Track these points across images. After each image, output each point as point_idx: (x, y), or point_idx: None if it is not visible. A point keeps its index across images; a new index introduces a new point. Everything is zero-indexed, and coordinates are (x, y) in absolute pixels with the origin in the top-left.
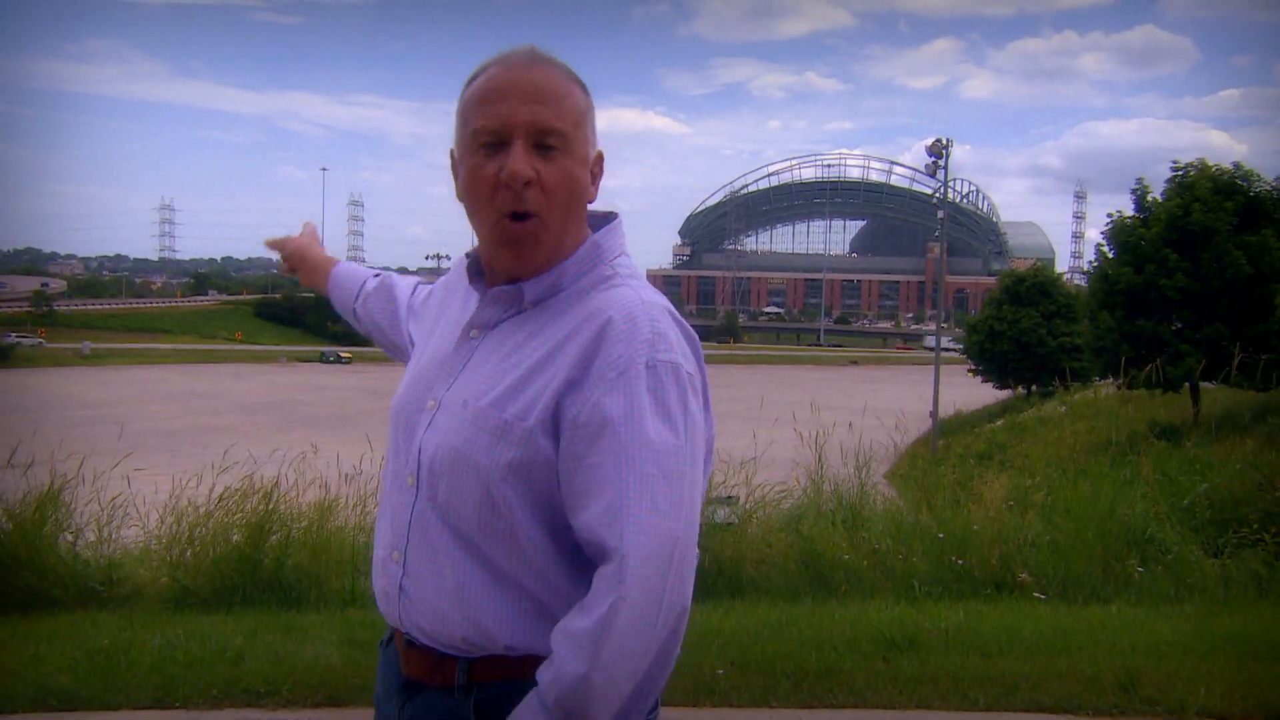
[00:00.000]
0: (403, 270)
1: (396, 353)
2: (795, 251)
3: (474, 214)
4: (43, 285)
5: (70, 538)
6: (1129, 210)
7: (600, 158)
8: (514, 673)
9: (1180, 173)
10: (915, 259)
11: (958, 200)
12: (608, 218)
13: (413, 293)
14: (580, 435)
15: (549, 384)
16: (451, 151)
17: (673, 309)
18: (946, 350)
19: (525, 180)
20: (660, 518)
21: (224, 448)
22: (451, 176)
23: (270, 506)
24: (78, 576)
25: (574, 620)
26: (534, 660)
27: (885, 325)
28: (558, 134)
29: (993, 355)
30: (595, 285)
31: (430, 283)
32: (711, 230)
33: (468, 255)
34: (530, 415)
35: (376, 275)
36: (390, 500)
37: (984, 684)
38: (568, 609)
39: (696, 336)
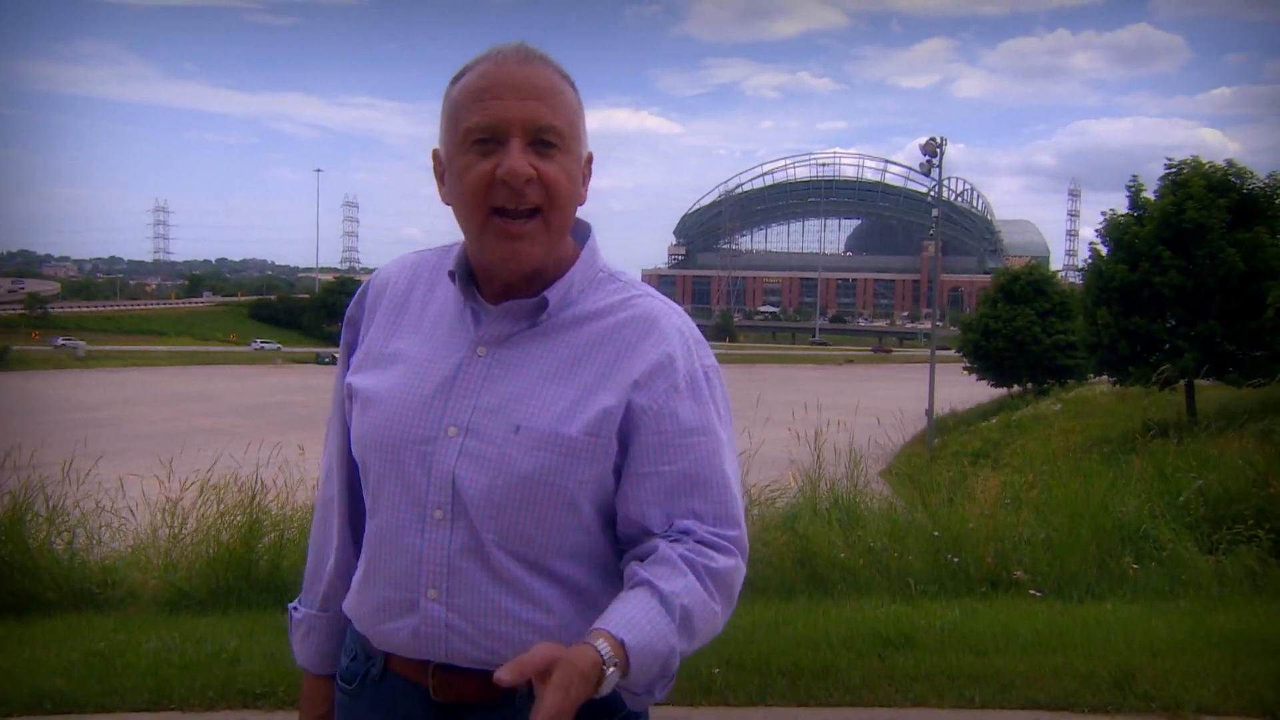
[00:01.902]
0: None
1: None
2: (790, 250)
3: (465, 214)
4: (16, 285)
5: (64, 541)
6: (1123, 208)
7: (590, 159)
8: None
9: (1174, 170)
10: (910, 257)
11: (952, 199)
12: (583, 227)
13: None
14: (660, 440)
15: (615, 396)
16: (435, 152)
17: None
18: (938, 349)
19: (526, 178)
20: (739, 506)
21: (218, 449)
22: (435, 179)
23: (255, 506)
24: (72, 579)
25: (709, 556)
26: None
27: (880, 324)
28: (555, 131)
29: (988, 353)
30: (611, 295)
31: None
32: (706, 230)
33: (451, 273)
34: (602, 430)
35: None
36: (402, 537)
37: (980, 681)
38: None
39: None
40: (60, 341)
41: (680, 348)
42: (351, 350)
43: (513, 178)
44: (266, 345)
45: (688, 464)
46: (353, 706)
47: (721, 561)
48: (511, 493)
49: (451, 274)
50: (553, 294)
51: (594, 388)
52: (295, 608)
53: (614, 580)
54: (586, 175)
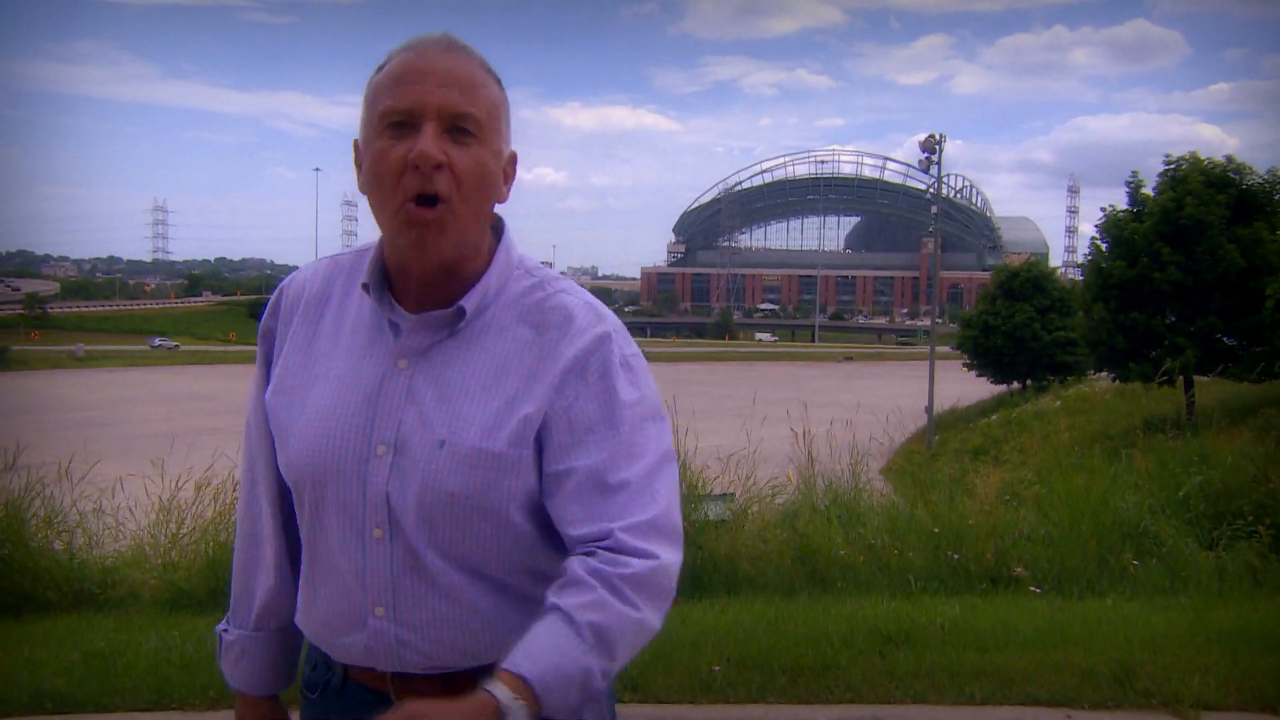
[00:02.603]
0: None
1: None
2: (789, 248)
3: (377, 201)
4: (11, 286)
5: (64, 541)
6: (1122, 204)
7: (514, 158)
8: None
9: (1173, 167)
10: (909, 254)
11: (951, 195)
12: (495, 223)
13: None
14: (572, 439)
15: (535, 404)
16: (356, 141)
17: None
18: (908, 344)
19: (436, 163)
20: (668, 497)
21: (216, 449)
22: (355, 168)
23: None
24: (72, 580)
25: (621, 562)
26: None
27: (880, 321)
28: (472, 119)
29: (987, 350)
30: (527, 294)
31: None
32: (705, 227)
33: (365, 285)
34: (526, 439)
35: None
36: (343, 555)
37: (980, 678)
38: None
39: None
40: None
41: (593, 342)
42: (269, 364)
43: (422, 161)
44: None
45: (599, 458)
46: (318, 714)
47: (637, 565)
48: (441, 508)
49: (365, 285)
50: (469, 302)
51: (516, 398)
52: (225, 629)
53: (547, 580)
54: (509, 174)
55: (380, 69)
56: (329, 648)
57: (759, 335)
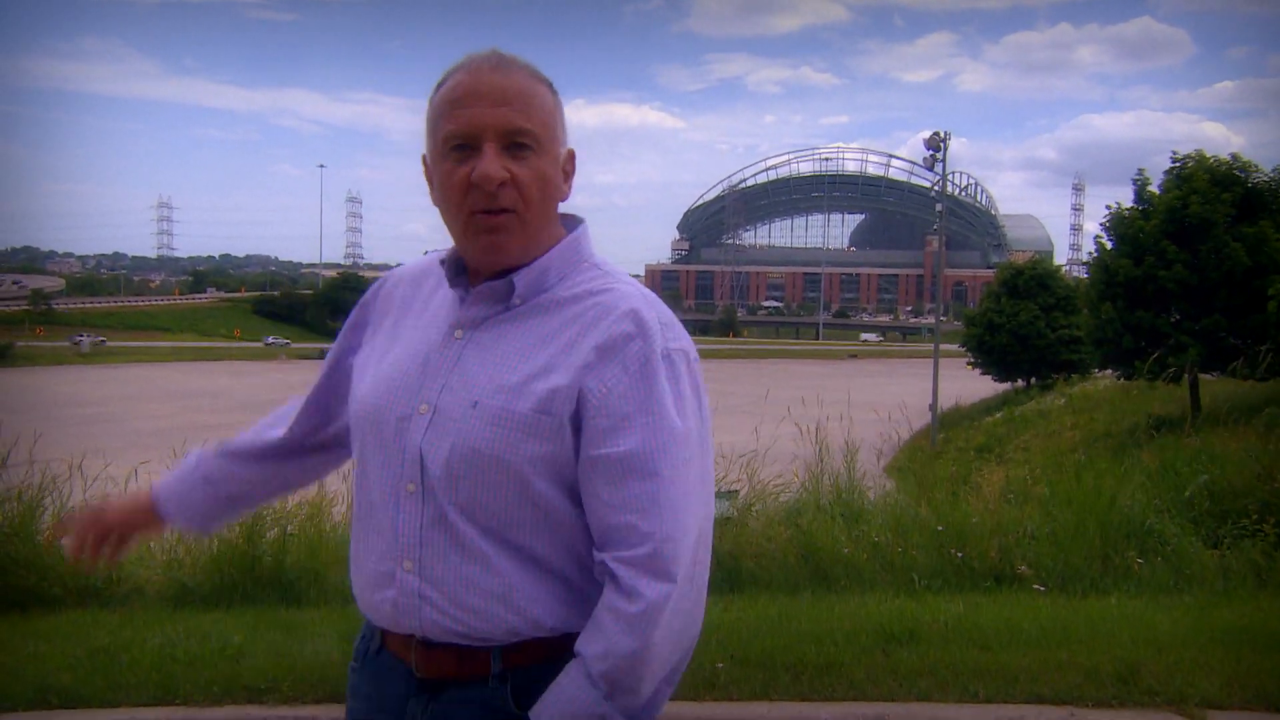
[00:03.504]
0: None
1: None
2: (794, 246)
3: (448, 216)
4: (16, 283)
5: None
6: (1126, 202)
7: (571, 156)
8: (548, 654)
9: (1178, 165)
10: (914, 252)
11: (956, 193)
12: (574, 221)
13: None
14: (608, 424)
15: (568, 376)
16: (424, 157)
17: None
18: (900, 344)
19: (499, 182)
20: (691, 502)
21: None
22: (426, 183)
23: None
24: (77, 575)
25: (621, 601)
26: (565, 639)
27: (884, 319)
28: (528, 134)
29: (992, 348)
30: (587, 283)
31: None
32: (710, 225)
33: (442, 261)
34: (554, 408)
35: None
36: (383, 511)
37: (983, 676)
38: (593, 582)
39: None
40: (86, 345)
41: (636, 328)
42: (356, 329)
43: (485, 181)
44: (276, 341)
45: (627, 448)
46: (356, 682)
47: (638, 605)
48: (466, 465)
49: (442, 261)
50: (520, 277)
51: (548, 367)
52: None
53: (578, 558)
54: (569, 171)
55: (437, 89)
56: (367, 607)
57: (865, 336)
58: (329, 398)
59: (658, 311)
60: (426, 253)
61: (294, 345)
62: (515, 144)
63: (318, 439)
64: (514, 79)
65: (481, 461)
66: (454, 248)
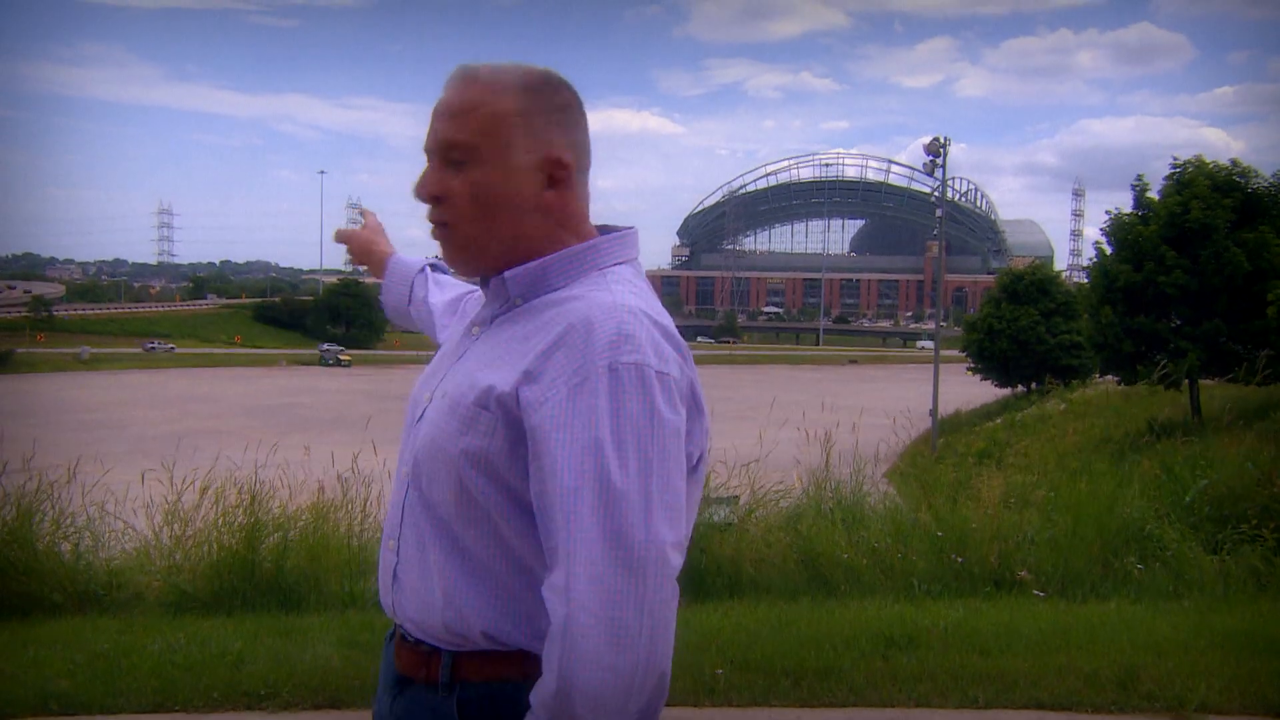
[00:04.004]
0: None
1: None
2: (794, 251)
3: None
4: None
5: (71, 543)
6: (1126, 207)
7: (556, 161)
8: (497, 673)
9: (1178, 170)
10: (914, 258)
11: (956, 199)
12: (616, 229)
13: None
14: (538, 436)
15: (511, 378)
16: None
17: (657, 315)
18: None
19: (426, 197)
20: (613, 546)
21: (220, 451)
22: None
23: (256, 509)
24: (77, 581)
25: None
26: (511, 659)
27: (884, 324)
28: (459, 147)
29: (992, 353)
30: (577, 288)
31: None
32: (710, 230)
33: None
34: (490, 404)
35: (425, 269)
36: (393, 491)
37: (983, 681)
38: (531, 590)
39: (684, 343)
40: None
41: (580, 338)
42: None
43: (416, 196)
44: (331, 349)
45: (543, 467)
46: (378, 671)
47: (544, 688)
48: (425, 455)
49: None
50: (512, 276)
51: (501, 366)
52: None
53: (514, 561)
54: (557, 177)
55: None
56: (380, 590)
57: (922, 344)
58: (437, 292)
59: (620, 322)
60: None
61: (290, 351)
62: (450, 159)
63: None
64: (460, 93)
65: (433, 450)
66: None
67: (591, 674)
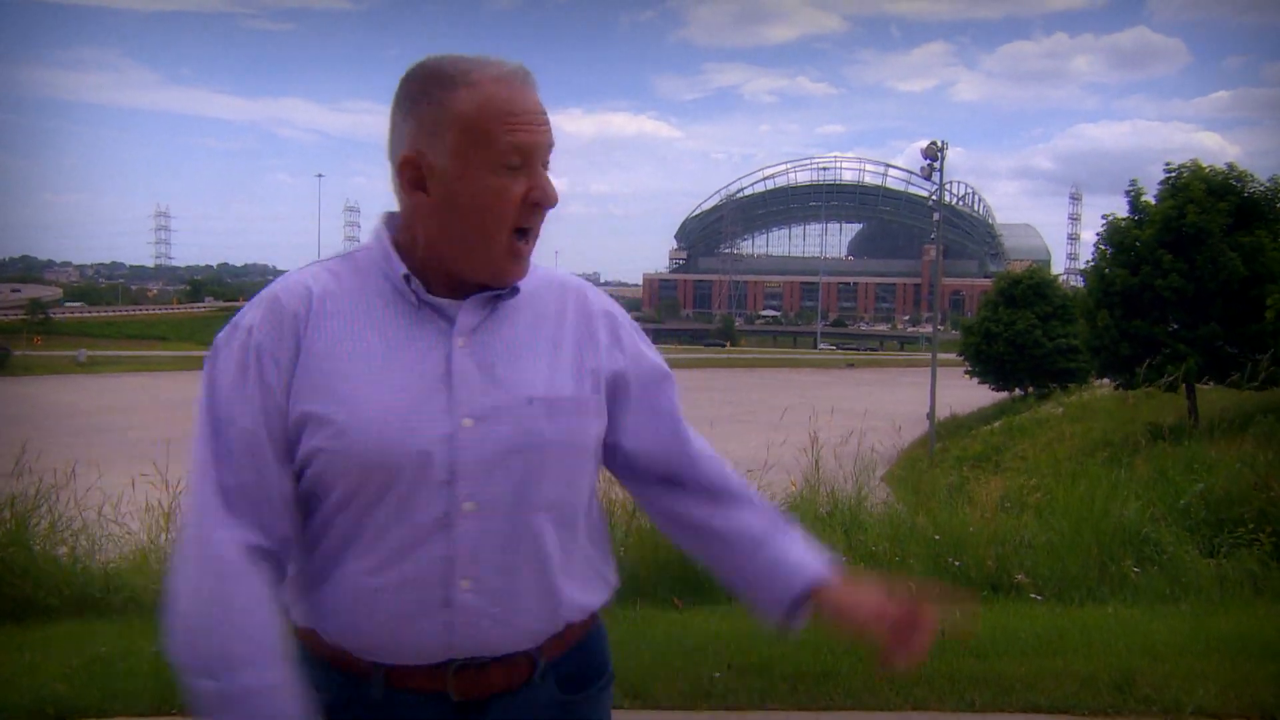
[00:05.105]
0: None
1: None
2: (791, 255)
3: (481, 230)
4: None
5: (66, 546)
6: (1123, 211)
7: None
8: (576, 637)
9: (1174, 174)
10: (911, 261)
11: (953, 202)
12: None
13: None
14: (648, 385)
15: (594, 353)
16: (414, 158)
17: None
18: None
19: (552, 204)
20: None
21: None
22: (405, 186)
23: None
24: (74, 585)
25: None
26: (589, 617)
27: (881, 328)
28: (549, 150)
29: (989, 357)
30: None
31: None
32: (707, 234)
33: (406, 277)
34: (600, 385)
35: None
36: (427, 544)
37: (980, 685)
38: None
39: None
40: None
41: (611, 304)
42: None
43: (550, 203)
44: None
45: (668, 404)
46: None
47: (791, 529)
48: (535, 465)
49: (406, 277)
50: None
51: (574, 350)
52: (243, 683)
53: (597, 516)
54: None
55: (452, 87)
56: (383, 650)
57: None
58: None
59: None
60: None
61: None
62: (545, 163)
63: None
64: (538, 97)
65: (551, 453)
66: (392, 268)
67: None
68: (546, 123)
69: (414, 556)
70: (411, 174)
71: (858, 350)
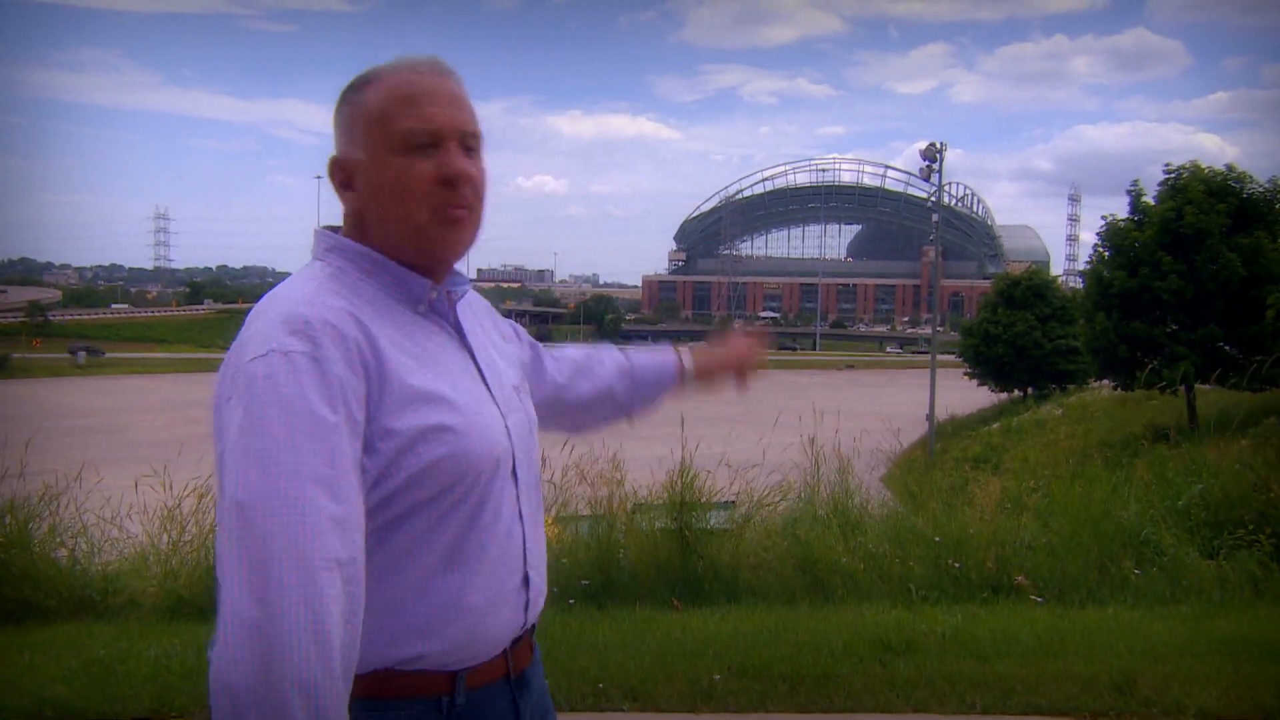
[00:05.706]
0: None
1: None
2: (790, 256)
3: (400, 212)
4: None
5: (66, 549)
6: (1122, 213)
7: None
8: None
9: (1173, 175)
10: (910, 263)
11: (953, 204)
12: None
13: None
14: (535, 359)
15: (514, 344)
16: (338, 160)
17: None
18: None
19: (467, 179)
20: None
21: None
22: (337, 187)
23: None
24: (73, 587)
25: None
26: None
27: (881, 329)
28: (477, 138)
29: (988, 358)
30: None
31: None
32: (706, 235)
33: (431, 287)
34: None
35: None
36: (514, 535)
37: (981, 687)
38: None
39: None
40: (82, 358)
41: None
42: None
43: (461, 179)
44: None
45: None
46: None
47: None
48: (533, 447)
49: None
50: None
51: (501, 342)
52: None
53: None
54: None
55: (363, 88)
56: (475, 650)
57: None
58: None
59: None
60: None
61: None
62: (467, 145)
63: None
64: (460, 87)
65: (533, 436)
66: (397, 274)
67: None
68: (457, 105)
69: (509, 551)
70: (341, 175)
71: (905, 350)
